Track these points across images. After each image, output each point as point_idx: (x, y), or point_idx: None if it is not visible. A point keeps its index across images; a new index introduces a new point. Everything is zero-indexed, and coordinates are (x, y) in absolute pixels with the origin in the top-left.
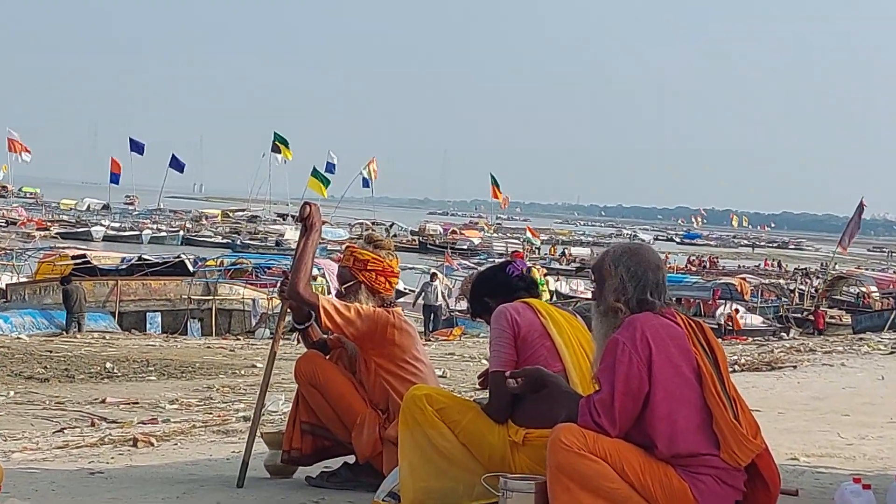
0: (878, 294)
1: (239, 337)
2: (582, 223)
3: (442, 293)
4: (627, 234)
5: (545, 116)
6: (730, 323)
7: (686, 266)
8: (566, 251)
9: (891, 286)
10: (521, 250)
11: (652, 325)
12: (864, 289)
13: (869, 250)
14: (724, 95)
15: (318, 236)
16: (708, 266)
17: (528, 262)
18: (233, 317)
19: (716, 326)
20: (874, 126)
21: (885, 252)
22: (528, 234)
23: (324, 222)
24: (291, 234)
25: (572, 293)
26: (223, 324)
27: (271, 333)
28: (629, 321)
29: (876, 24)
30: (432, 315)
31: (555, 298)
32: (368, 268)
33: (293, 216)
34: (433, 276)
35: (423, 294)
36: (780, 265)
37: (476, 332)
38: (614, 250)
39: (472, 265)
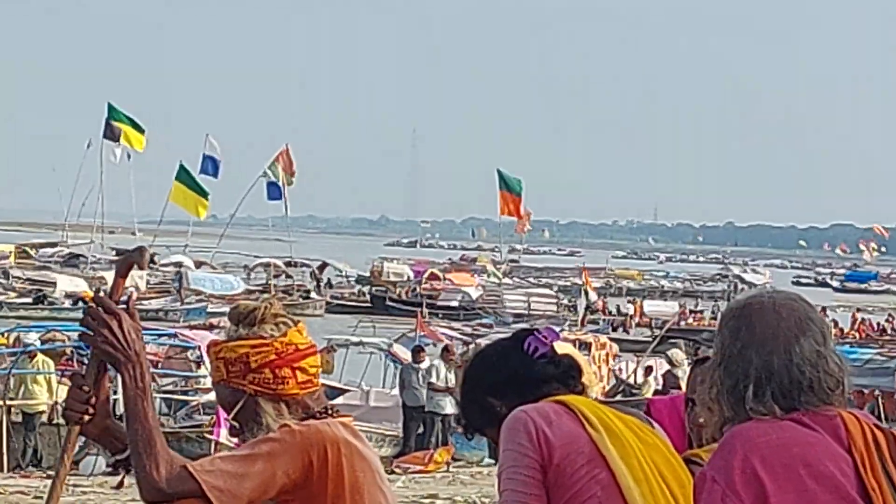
0: None
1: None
2: (663, 257)
3: (441, 380)
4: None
5: (592, 73)
6: None
7: (849, 330)
8: (635, 305)
9: None
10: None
11: (767, 444)
12: None
13: None
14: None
15: (143, 370)
16: None
17: (561, 331)
18: (42, 435)
19: None
20: None
21: None
22: (583, 283)
23: (201, 264)
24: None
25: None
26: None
27: (107, 463)
28: (727, 438)
29: None
30: (423, 422)
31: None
32: (253, 365)
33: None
34: (417, 351)
35: (403, 386)
36: None
37: (477, 458)
38: (723, 313)
39: (465, 336)
